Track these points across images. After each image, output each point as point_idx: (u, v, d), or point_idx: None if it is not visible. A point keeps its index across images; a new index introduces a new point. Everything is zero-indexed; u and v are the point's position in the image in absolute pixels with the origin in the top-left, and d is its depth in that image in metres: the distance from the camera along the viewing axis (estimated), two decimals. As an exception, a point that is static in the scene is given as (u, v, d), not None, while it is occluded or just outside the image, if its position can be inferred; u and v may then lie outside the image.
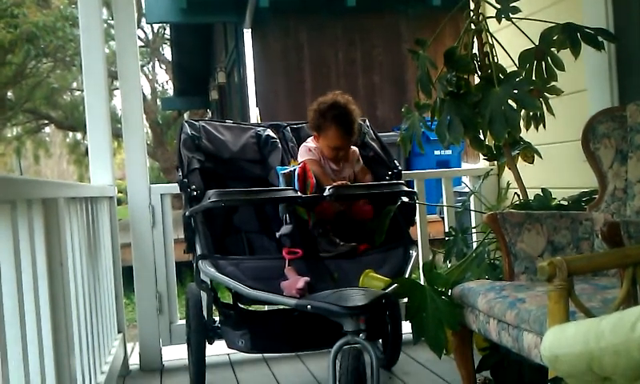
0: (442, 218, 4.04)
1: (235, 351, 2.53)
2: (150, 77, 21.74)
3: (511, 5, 2.49)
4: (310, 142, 2.77)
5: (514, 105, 2.40)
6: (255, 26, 9.22)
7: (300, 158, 2.72)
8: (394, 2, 9.20)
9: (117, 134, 5.73)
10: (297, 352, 3.15)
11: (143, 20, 15.44)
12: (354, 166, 2.80)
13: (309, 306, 2.11)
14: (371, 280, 2.28)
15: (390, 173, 2.85)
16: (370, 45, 9.53)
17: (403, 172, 2.95)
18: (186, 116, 18.00)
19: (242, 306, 2.56)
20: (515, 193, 2.82)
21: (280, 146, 2.93)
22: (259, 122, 7.02)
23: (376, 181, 2.79)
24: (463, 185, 4.71)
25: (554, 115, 2.54)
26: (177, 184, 2.79)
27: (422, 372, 2.90)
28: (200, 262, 2.44)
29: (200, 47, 13.95)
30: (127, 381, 3.12)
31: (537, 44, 2.46)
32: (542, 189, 2.62)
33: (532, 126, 2.57)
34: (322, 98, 2.74)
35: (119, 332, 3.19)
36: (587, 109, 2.71)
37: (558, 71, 2.46)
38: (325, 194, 2.42)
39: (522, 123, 2.48)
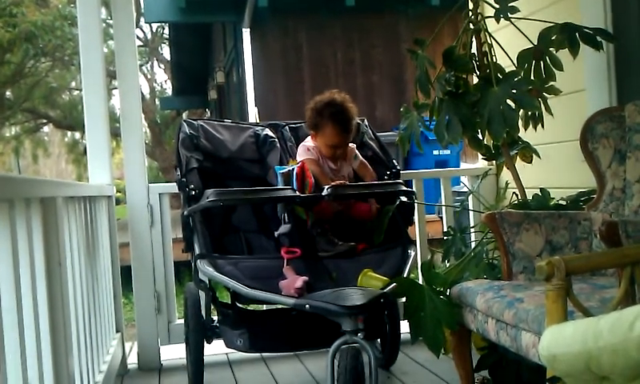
0: (441, 217, 4.04)
1: (234, 351, 2.53)
2: (149, 76, 21.75)
3: (510, 5, 2.49)
4: (309, 142, 2.77)
5: (512, 104, 2.40)
6: (254, 25, 9.22)
7: (299, 158, 2.72)
8: (393, 2, 9.20)
9: (115, 134, 5.73)
10: (295, 351, 3.15)
11: (142, 19, 15.46)
12: (352, 164, 2.80)
13: (307, 306, 2.11)
14: (370, 279, 2.28)
15: (388, 172, 2.86)
16: (368, 45, 9.53)
17: (402, 172, 2.95)
18: (184, 115, 17.99)
19: (241, 306, 2.56)
20: (514, 192, 2.83)
21: (278, 145, 2.93)
22: (258, 121, 7.03)
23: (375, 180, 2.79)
24: (462, 184, 4.70)
25: (552, 115, 2.54)
26: (175, 183, 2.78)
27: (420, 371, 2.90)
28: (198, 261, 2.44)
29: (199, 47, 13.94)
30: (125, 380, 3.11)
31: (535, 44, 2.46)
32: (540, 189, 2.62)
33: (530, 125, 2.57)
34: (318, 97, 2.74)
35: (117, 331, 3.19)
36: (586, 109, 2.71)
37: (556, 71, 2.46)
38: (323, 194, 2.42)
39: (520, 123, 2.48)
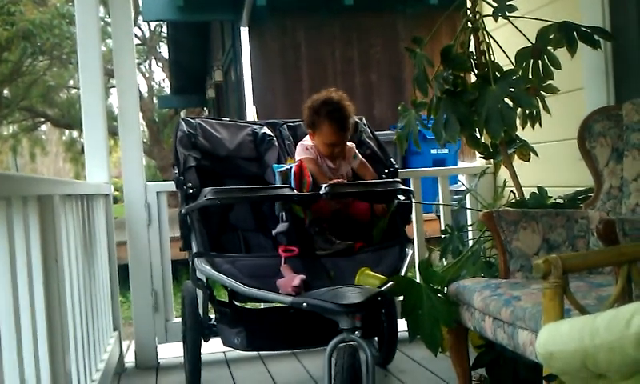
0: (439, 216, 4.05)
1: (231, 349, 2.53)
2: (147, 75, 21.72)
3: (508, 3, 2.49)
4: (307, 141, 2.77)
5: (510, 103, 2.40)
6: (252, 24, 9.22)
7: (297, 157, 2.72)
8: (391, 1, 9.20)
9: (113, 132, 5.72)
10: (293, 350, 3.15)
11: (140, 18, 15.44)
12: (351, 163, 2.80)
13: (304, 304, 2.11)
14: (367, 278, 2.28)
15: (386, 171, 2.86)
16: (367, 43, 9.53)
17: (400, 170, 2.95)
18: (182, 114, 17.96)
19: (238, 304, 2.56)
20: (511, 191, 2.83)
21: (276, 143, 2.93)
22: (256, 120, 7.03)
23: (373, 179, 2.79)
24: (459, 183, 4.71)
25: (550, 114, 2.54)
26: (173, 182, 2.78)
27: (417, 370, 2.90)
28: (196, 259, 2.43)
29: (197, 45, 13.93)
30: (123, 378, 3.11)
31: (533, 42, 2.46)
32: (537, 187, 2.62)
33: (528, 124, 2.57)
34: (315, 96, 2.74)
35: (115, 330, 3.19)
36: (583, 107, 2.71)
37: (554, 70, 2.46)
38: (321, 192, 2.42)
39: (518, 121, 2.49)
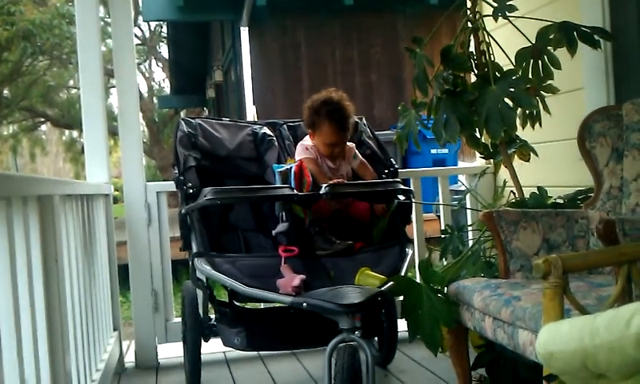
0: (438, 216, 4.05)
1: (231, 349, 2.53)
2: (147, 75, 21.72)
3: (508, 3, 2.49)
4: (307, 141, 2.77)
5: (510, 103, 2.40)
6: (252, 24, 9.22)
7: (297, 157, 2.72)
8: (391, 1, 9.20)
9: (113, 132, 5.72)
10: (293, 350, 3.15)
11: (140, 18, 15.44)
12: (351, 163, 2.80)
13: (304, 304, 2.11)
14: (367, 278, 2.28)
15: (386, 171, 2.86)
16: (367, 43, 9.53)
17: (400, 170, 2.95)
18: (182, 114, 17.96)
19: (238, 304, 2.56)
20: (511, 191, 2.83)
21: (276, 143, 2.93)
22: (256, 120, 7.03)
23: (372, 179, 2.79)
24: (459, 183, 4.71)
25: (550, 114, 2.54)
26: (173, 182, 2.78)
27: (417, 370, 2.90)
28: (196, 259, 2.43)
29: (197, 45, 13.93)
30: (123, 378, 3.11)
31: (533, 42, 2.46)
32: (537, 187, 2.62)
33: (528, 124, 2.57)
34: (315, 96, 2.74)
35: (115, 330, 3.19)
36: (583, 107, 2.71)
37: (554, 70, 2.46)
38: (321, 192, 2.42)
39: (518, 121, 2.49)
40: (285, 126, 3.04)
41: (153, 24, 18.83)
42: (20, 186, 1.54)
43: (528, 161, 2.80)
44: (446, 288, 2.22)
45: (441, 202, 3.59)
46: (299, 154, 2.73)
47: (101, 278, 2.87)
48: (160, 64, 21.53)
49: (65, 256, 2.01)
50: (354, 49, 9.52)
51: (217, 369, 3.11)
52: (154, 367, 3.22)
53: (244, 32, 9.38)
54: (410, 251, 2.54)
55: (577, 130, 2.37)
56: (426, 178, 3.77)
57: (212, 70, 12.57)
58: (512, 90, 2.40)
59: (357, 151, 2.85)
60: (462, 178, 4.29)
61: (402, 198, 2.64)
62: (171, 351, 3.31)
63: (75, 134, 22.36)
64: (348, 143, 2.78)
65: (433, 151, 7.48)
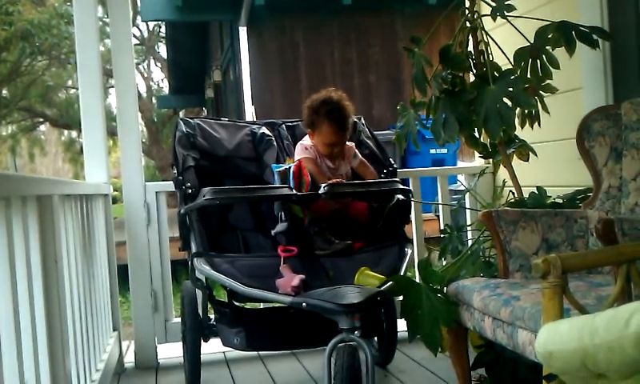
0: (438, 216, 4.05)
1: (231, 349, 2.53)
2: (146, 75, 21.70)
3: (506, 3, 2.49)
4: (306, 141, 2.77)
5: (509, 103, 2.40)
6: (251, 24, 9.22)
7: (296, 157, 2.72)
8: (389, 1, 9.20)
9: (112, 132, 5.73)
10: (292, 350, 3.15)
11: (138, 18, 15.42)
12: (350, 162, 2.80)
13: (304, 304, 2.11)
14: (366, 278, 2.28)
15: (385, 171, 2.86)
16: (366, 44, 9.53)
17: (399, 170, 2.95)
18: (181, 114, 17.96)
19: (238, 304, 2.56)
20: (510, 191, 2.83)
21: (275, 143, 2.93)
22: (255, 120, 7.03)
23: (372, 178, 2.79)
24: (458, 183, 4.72)
25: (549, 113, 2.54)
26: (172, 182, 2.78)
27: (417, 370, 2.90)
28: (195, 259, 2.43)
29: (195, 45, 13.93)
30: (122, 379, 3.11)
31: (532, 42, 2.46)
32: (537, 187, 2.62)
33: (527, 124, 2.57)
34: (315, 95, 2.74)
35: (114, 330, 3.19)
36: (582, 107, 2.72)
37: (553, 69, 2.46)
38: (320, 192, 2.42)
39: (517, 121, 2.49)
40: (283, 125, 3.04)
41: (151, 24, 18.82)
42: (19, 186, 1.54)
43: (527, 161, 2.80)
44: (445, 288, 2.22)
45: (440, 201, 3.59)
46: (298, 153, 2.73)
47: (100, 278, 2.87)
48: (159, 64, 21.52)
49: (64, 256, 2.01)
50: (353, 49, 9.52)
51: (216, 369, 3.11)
52: (153, 367, 3.22)
53: (242, 32, 9.38)
54: (409, 251, 2.54)
55: (575, 130, 2.37)
56: (425, 178, 3.77)
57: (211, 70, 12.57)
58: (511, 89, 2.40)
59: (357, 151, 2.85)
60: (461, 177, 4.30)
61: (400, 197, 2.64)
62: (171, 351, 3.31)
63: (74, 134, 22.34)
64: (348, 143, 2.78)
65: (432, 151, 7.48)
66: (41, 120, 21.74)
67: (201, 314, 2.70)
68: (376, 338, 2.98)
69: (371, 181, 2.74)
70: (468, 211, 3.50)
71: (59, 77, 20.29)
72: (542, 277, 1.50)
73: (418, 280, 2.23)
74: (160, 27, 18.61)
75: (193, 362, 2.65)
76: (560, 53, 2.43)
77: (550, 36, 2.42)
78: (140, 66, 20.68)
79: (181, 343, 2.87)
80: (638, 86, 2.61)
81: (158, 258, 3.27)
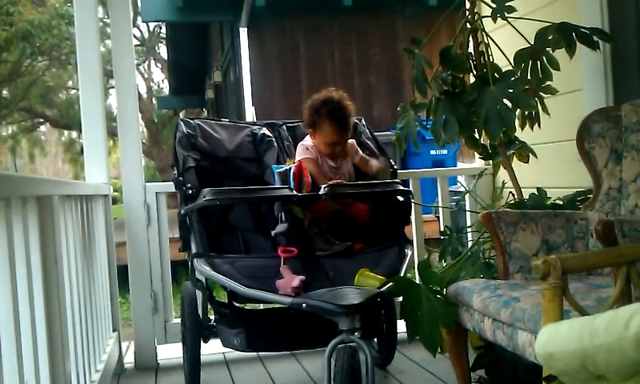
0: (438, 217, 4.05)
1: (230, 350, 2.53)
2: (146, 75, 21.72)
3: (507, 4, 2.49)
4: (307, 141, 2.77)
5: (509, 104, 2.40)
6: (251, 25, 9.22)
7: (297, 157, 2.72)
8: (390, 2, 9.20)
9: (112, 133, 5.72)
10: (292, 350, 3.15)
11: (139, 18, 15.43)
12: (353, 159, 2.80)
13: (304, 305, 2.11)
14: (366, 279, 2.28)
15: (385, 172, 2.85)
16: (366, 44, 9.54)
17: (399, 171, 2.95)
18: (181, 115, 17.98)
19: (238, 305, 2.56)
20: (510, 192, 2.83)
21: (276, 144, 2.93)
22: (255, 120, 7.03)
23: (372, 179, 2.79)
24: (459, 184, 4.71)
25: (549, 115, 2.54)
26: (172, 182, 2.78)
27: (416, 371, 2.90)
28: (195, 260, 2.43)
29: (196, 46, 13.94)
30: (122, 379, 3.11)
31: (532, 43, 2.46)
32: (537, 188, 2.62)
33: (527, 125, 2.57)
34: (315, 95, 2.74)
35: (114, 330, 3.19)
36: (582, 108, 2.72)
37: (553, 71, 2.46)
38: (320, 193, 2.42)
39: (517, 123, 2.49)
40: (284, 126, 3.04)
41: (152, 25, 18.84)
42: (19, 187, 1.54)
43: (527, 162, 2.80)
44: (445, 289, 2.22)
45: (440, 202, 3.59)
46: (299, 154, 2.73)
47: (100, 278, 2.87)
48: (159, 65, 21.54)
49: (64, 256, 2.01)
50: (353, 50, 9.53)
51: (216, 370, 3.11)
52: (153, 368, 3.22)
53: (243, 33, 9.39)
54: (409, 252, 2.54)
55: (575, 131, 2.37)
56: (425, 179, 3.77)
57: (211, 71, 12.57)
58: (511, 90, 2.40)
59: (358, 147, 2.84)
60: (461, 178, 4.29)
61: (401, 198, 2.64)
62: (170, 352, 3.31)
63: (74, 134, 22.36)
64: (348, 140, 2.78)
65: (432, 152, 7.48)
66: (41, 120, 21.75)
67: (201, 314, 2.70)
68: (376, 339, 2.98)
69: (371, 182, 2.74)
70: (468, 212, 3.50)
71: (59, 77, 20.30)
72: (541, 278, 1.50)
73: (417, 281, 2.23)
74: (160, 28, 18.62)
75: (192, 362, 2.65)
76: (560, 54, 2.43)
77: (550, 37, 2.42)
78: (140, 67, 20.70)
79: (180, 344, 2.87)
80: (639, 88, 2.61)
81: (158, 259, 3.27)
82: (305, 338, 2.43)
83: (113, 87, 3.34)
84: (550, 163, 3.00)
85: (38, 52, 17.48)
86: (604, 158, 2.31)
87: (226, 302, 2.59)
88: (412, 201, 2.74)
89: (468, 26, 2.62)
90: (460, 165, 7.64)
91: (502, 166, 2.84)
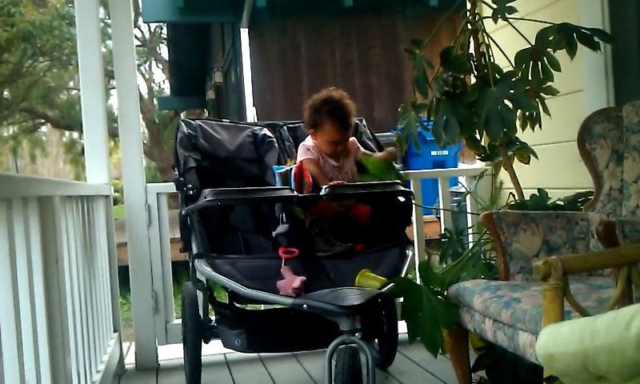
0: (439, 218, 4.04)
1: (231, 351, 2.53)
2: (147, 76, 21.73)
3: (507, 5, 2.49)
4: (309, 141, 2.76)
5: (510, 105, 2.40)
6: (252, 25, 9.23)
7: (299, 158, 2.71)
8: (391, 3, 9.20)
9: (113, 134, 5.72)
10: (293, 351, 3.15)
11: (140, 19, 15.45)
12: (356, 156, 2.80)
13: (305, 306, 2.11)
14: (367, 279, 2.28)
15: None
16: (367, 45, 9.54)
17: (399, 172, 2.95)
18: (182, 115, 17.98)
19: (238, 306, 2.56)
20: (510, 193, 2.83)
21: (276, 145, 2.93)
22: (256, 121, 7.03)
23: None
24: (459, 185, 4.71)
25: (550, 115, 2.54)
26: (173, 183, 2.78)
27: (417, 371, 2.90)
28: (196, 261, 2.43)
29: (197, 47, 13.94)
30: (123, 380, 3.11)
31: (533, 44, 2.46)
32: (538, 189, 2.62)
33: (528, 126, 2.57)
34: (316, 95, 2.74)
35: (115, 331, 3.19)
36: (583, 109, 2.71)
37: (554, 71, 2.46)
38: (321, 194, 2.42)
39: (518, 123, 2.49)
40: (285, 127, 3.04)
41: (153, 25, 18.85)
42: (20, 187, 1.54)
43: (527, 163, 2.80)
44: (446, 290, 2.22)
45: (441, 203, 3.59)
46: (301, 154, 2.72)
47: (101, 279, 2.87)
48: (160, 65, 21.55)
49: (65, 257, 2.01)
50: (354, 50, 9.53)
51: (217, 370, 3.11)
52: (154, 369, 3.22)
53: (244, 33, 9.39)
54: (410, 253, 2.54)
55: (576, 132, 2.37)
56: (425, 180, 3.77)
57: (212, 72, 12.57)
58: (512, 91, 2.40)
59: (359, 145, 2.84)
60: (462, 179, 4.29)
61: (401, 199, 2.64)
62: (171, 353, 3.31)
63: (75, 135, 22.37)
64: (350, 138, 2.78)
65: (433, 153, 7.47)
66: (42, 121, 21.76)
67: (201, 315, 2.70)
68: (377, 340, 2.98)
69: (373, 183, 2.74)
70: (469, 213, 3.50)
71: (61, 78, 20.32)
72: (542, 279, 1.50)
73: (418, 282, 2.23)
74: (161, 29, 18.63)
75: (193, 363, 2.65)
76: (561, 55, 2.43)
77: (551, 38, 2.42)
78: (141, 68, 20.71)
79: (181, 344, 2.87)
80: (639, 89, 2.61)
81: (159, 259, 3.27)
82: (306, 338, 2.43)
83: (114, 88, 3.34)
84: (550, 164, 3.00)
85: (39, 53, 17.49)
86: (605, 158, 2.31)
87: (227, 302, 2.59)
88: (413, 201, 2.74)
89: (469, 26, 2.62)
90: (461, 165, 7.64)
91: (502, 167, 2.84)
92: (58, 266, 1.83)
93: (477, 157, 3.04)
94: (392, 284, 2.23)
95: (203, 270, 2.39)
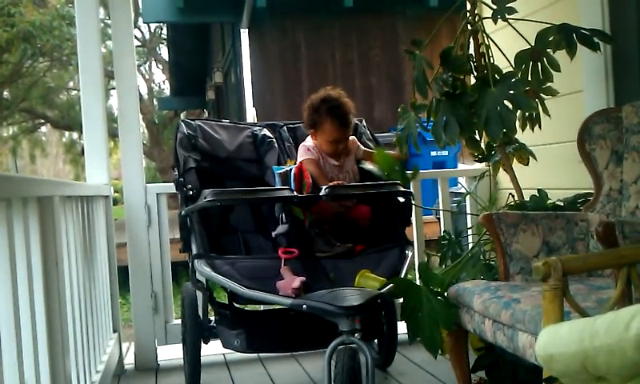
0: (438, 218, 4.04)
1: (231, 351, 2.53)
2: (147, 76, 21.73)
3: (507, 5, 2.49)
4: (309, 142, 2.77)
5: (509, 105, 2.40)
6: (252, 26, 9.23)
7: (299, 158, 2.72)
8: (391, 3, 9.21)
9: (113, 134, 5.72)
10: (292, 352, 3.15)
11: (140, 19, 15.45)
12: (356, 155, 2.79)
13: (304, 306, 2.11)
14: (367, 280, 2.28)
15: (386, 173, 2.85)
16: (367, 46, 9.54)
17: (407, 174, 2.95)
18: (182, 116, 17.98)
19: (238, 306, 2.56)
20: (510, 193, 2.83)
21: (276, 145, 2.93)
22: (256, 121, 7.03)
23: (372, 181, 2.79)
24: (459, 185, 4.71)
25: (549, 116, 2.54)
26: (173, 183, 2.78)
27: (417, 372, 2.90)
28: (196, 261, 2.43)
29: (197, 47, 13.94)
30: (122, 380, 3.11)
31: (533, 45, 2.46)
32: (537, 190, 2.62)
33: (528, 126, 2.57)
34: (314, 95, 2.74)
35: (114, 331, 3.19)
36: (583, 110, 2.71)
37: (553, 72, 2.46)
38: (321, 194, 2.42)
39: (517, 124, 2.49)
40: (285, 127, 3.04)
41: (153, 26, 18.86)
42: (20, 187, 1.55)
43: (527, 164, 2.79)
44: (445, 290, 2.22)
45: (441, 204, 3.59)
46: (301, 155, 2.73)
47: (101, 279, 2.87)
48: (160, 66, 21.55)
49: (65, 257, 2.01)
50: (354, 51, 9.53)
51: (216, 371, 3.11)
52: (153, 369, 3.22)
53: (244, 34, 9.39)
54: (409, 253, 2.54)
55: (576, 133, 2.37)
56: (425, 181, 3.77)
57: (212, 72, 12.57)
58: (511, 92, 2.40)
59: (359, 144, 2.84)
60: (461, 180, 4.29)
61: (401, 199, 2.64)
62: (171, 353, 3.31)
63: (75, 135, 22.37)
64: (349, 137, 2.78)
65: (432, 153, 7.47)
66: (42, 121, 21.76)
67: (201, 315, 2.70)
68: (376, 341, 2.98)
69: (372, 183, 2.74)
70: (468, 214, 3.50)
71: (60, 78, 20.32)
72: (542, 279, 1.50)
73: (418, 282, 2.23)
74: (161, 29, 18.63)
75: (193, 363, 2.65)
76: (561, 55, 2.43)
77: (550, 39, 2.42)
78: (141, 68, 20.71)
79: (181, 345, 2.87)
80: (639, 89, 2.61)
81: (159, 260, 3.27)
82: (305, 339, 2.43)
83: (114, 88, 3.35)
84: (550, 165, 3.00)
85: (39, 53, 17.49)
86: (605, 159, 2.31)
87: (227, 303, 2.59)
88: (412, 202, 2.74)
89: (469, 27, 2.62)
90: (461, 166, 7.64)
91: (502, 168, 2.84)
92: (58, 266, 1.83)
93: (473, 158, 3.04)
94: (391, 284, 2.23)
95: (203, 270, 2.39)
